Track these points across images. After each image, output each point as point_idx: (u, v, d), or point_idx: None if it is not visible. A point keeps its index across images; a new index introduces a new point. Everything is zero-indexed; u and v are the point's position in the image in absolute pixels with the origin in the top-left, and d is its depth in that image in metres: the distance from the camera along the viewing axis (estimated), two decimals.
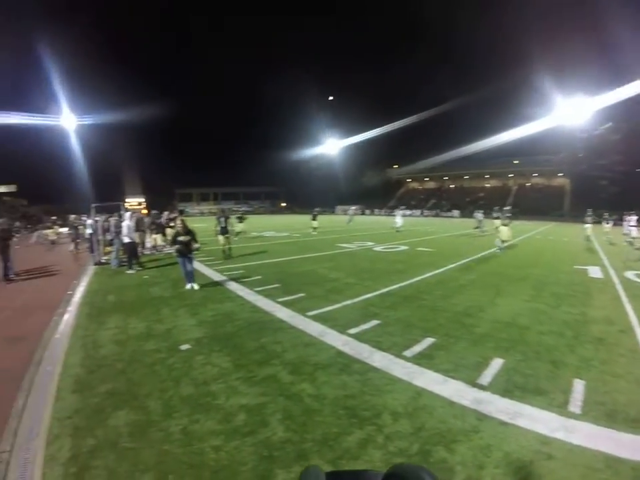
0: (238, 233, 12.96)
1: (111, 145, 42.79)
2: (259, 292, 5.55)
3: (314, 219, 15.03)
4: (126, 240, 7.93)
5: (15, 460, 2.08)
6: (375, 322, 3.99)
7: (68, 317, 5.04)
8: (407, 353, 3.18)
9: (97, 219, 9.62)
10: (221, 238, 9.04)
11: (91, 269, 8.56)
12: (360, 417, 2.28)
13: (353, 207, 23.98)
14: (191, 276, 6.07)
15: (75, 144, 32.95)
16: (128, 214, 8.17)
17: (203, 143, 57.71)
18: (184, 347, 3.65)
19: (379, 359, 3.07)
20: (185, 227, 5.78)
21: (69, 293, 6.45)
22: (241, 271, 7.26)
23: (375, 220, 21.79)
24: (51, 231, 16.25)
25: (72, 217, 16.21)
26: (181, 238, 5.75)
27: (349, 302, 4.85)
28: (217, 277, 6.88)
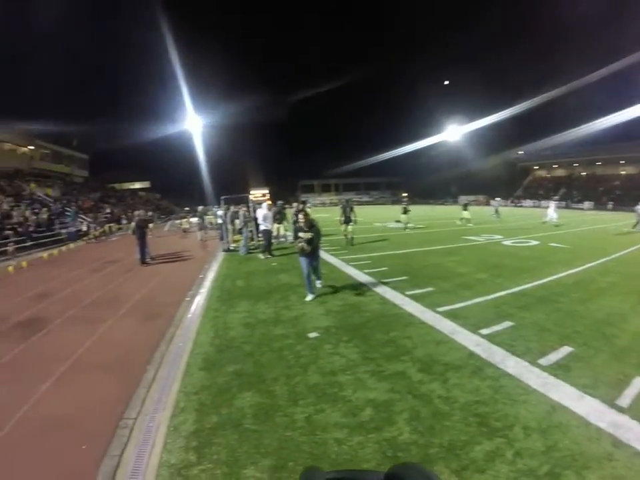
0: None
1: (234, 140, 70.22)
2: (386, 284, 8.14)
3: (465, 209, 22.49)
4: (262, 227, 13.03)
5: (140, 427, 3.55)
6: (507, 323, 5.65)
7: (199, 298, 7.86)
8: (543, 361, 4.39)
9: (226, 209, 16.26)
10: (344, 227, 14.75)
11: (220, 256, 13.84)
12: (490, 427, 3.26)
13: (497, 199, 33.20)
14: (311, 285, 7.40)
15: (201, 141, 53.59)
16: (265, 204, 13.43)
17: (324, 134, 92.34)
18: (312, 334, 5.50)
19: (513, 365, 4.31)
20: (307, 220, 7.12)
21: (200, 276, 10.07)
22: (367, 262, 10.81)
23: (501, 210, 28.81)
24: (184, 220, 26.47)
25: (200, 207, 26.49)
26: (301, 234, 7.02)
27: (479, 299, 6.91)
28: (343, 266, 10.38)
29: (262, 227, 13.02)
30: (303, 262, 7.18)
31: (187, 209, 30.60)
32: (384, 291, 7.60)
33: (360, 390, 3.83)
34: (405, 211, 20.21)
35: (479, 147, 70.14)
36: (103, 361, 5.16)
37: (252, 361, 4.66)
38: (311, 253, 7.08)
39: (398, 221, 22.03)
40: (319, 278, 7.81)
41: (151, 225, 17.62)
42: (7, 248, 17.51)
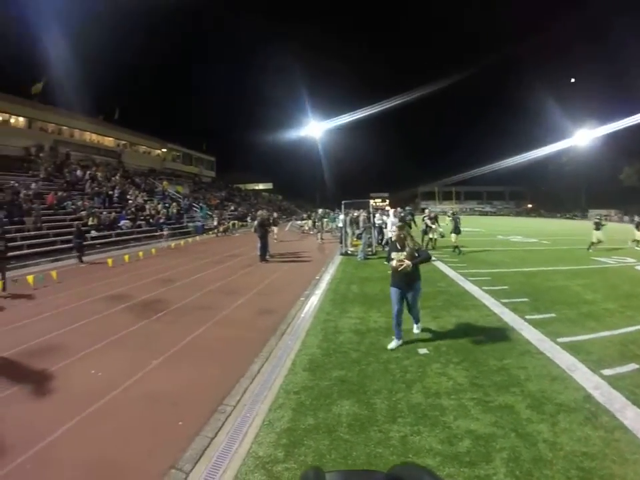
0: (593, 244, 17.71)
1: (355, 145, 77.52)
2: (505, 304, 8.00)
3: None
4: (389, 235, 13.54)
5: (236, 415, 3.92)
6: (634, 366, 5.14)
7: (313, 299, 8.36)
8: None
9: (346, 214, 17.20)
10: (454, 237, 15.93)
11: (338, 259, 14.82)
12: None
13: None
14: (400, 326, 5.75)
15: (322, 145, 60.45)
16: (392, 211, 14.27)
17: (444, 139, 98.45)
18: (422, 350, 5.57)
19: (632, 417, 3.92)
20: (401, 238, 5.70)
21: (316, 278, 10.77)
22: (487, 278, 10.77)
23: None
24: (304, 222, 28.84)
25: (320, 210, 28.57)
26: (394, 255, 5.66)
27: (606, 333, 6.42)
28: (461, 281, 10.38)
29: (389, 234, 13.61)
30: (394, 294, 5.69)
31: (309, 212, 32.84)
32: (502, 311, 7.49)
33: (462, 418, 3.81)
34: (598, 227, 18.15)
35: (613, 153, 65.91)
36: (213, 347, 5.88)
37: (357, 369, 4.85)
38: (408, 283, 5.64)
39: (596, 242, 18.33)
40: (416, 320, 6.12)
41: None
42: (163, 232, 23.99)
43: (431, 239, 17.26)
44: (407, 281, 5.60)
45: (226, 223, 31.11)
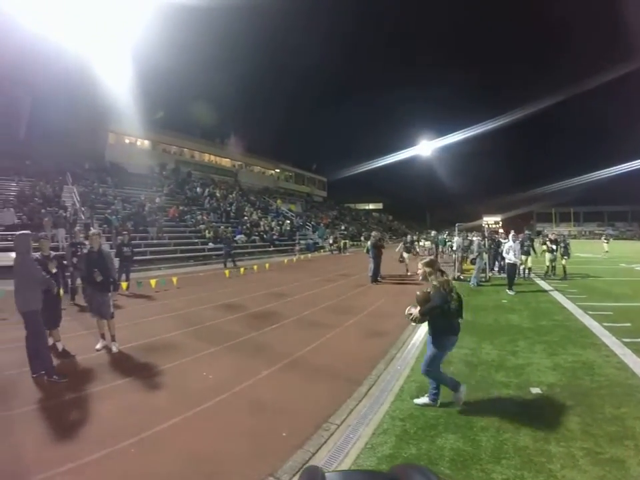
0: None
1: (465, 165, 78.44)
2: (627, 344, 7.26)
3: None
4: (508, 260, 13.32)
5: (339, 434, 4.08)
6: None
7: (424, 325, 8.16)
8: None
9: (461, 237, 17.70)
10: (564, 261, 16.19)
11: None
12: None
13: None
14: (439, 386, 4.82)
15: (432, 166, 61.66)
16: (511, 235, 13.73)
17: (562, 157, 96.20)
18: (534, 389, 5.35)
19: None
20: (425, 276, 4.86)
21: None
22: (608, 313, 9.82)
23: None
24: (417, 244, 28.13)
25: (432, 232, 28.36)
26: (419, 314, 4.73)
27: None
28: (580, 314, 9.72)
29: (508, 260, 13.15)
30: (435, 348, 4.77)
31: (417, 234, 33.17)
32: (624, 353, 6.80)
33: (568, 468, 3.58)
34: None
35: None
36: (322, 364, 6.17)
37: (465, 403, 4.77)
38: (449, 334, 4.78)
39: None
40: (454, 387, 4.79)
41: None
42: (295, 247, 27.47)
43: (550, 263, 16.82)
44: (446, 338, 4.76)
45: (340, 242, 32.79)
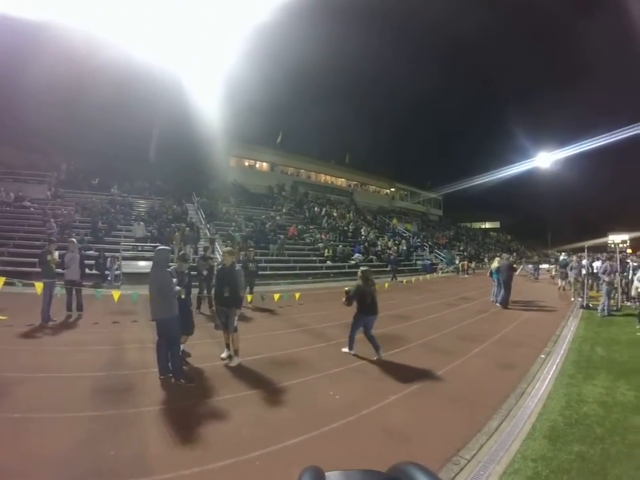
0: None
1: (590, 178, 68.54)
2: None
3: None
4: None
5: (470, 470, 3.98)
6: None
7: (554, 358, 7.91)
8: None
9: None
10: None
11: (578, 312, 13.96)
12: None
13: None
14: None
15: (552, 180, 55.80)
16: None
17: None
18: None
19: None
20: None
21: (556, 333, 10.11)
22: None
23: None
24: (550, 266, 28.50)
25: (563, 254, 26.09)
26: None
27: None
28: None
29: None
30: (356, 320, 8.27)
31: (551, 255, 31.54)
32: None
33: None
34: None
35: None
36: (450, 393, 6.02)
37: (600, 448, 4.42)
38: None
39: None
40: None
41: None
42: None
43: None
44: None
45: (467, 264, 32.65)
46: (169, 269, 6.26)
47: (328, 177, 49.41)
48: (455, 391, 6.12)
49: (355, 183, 52.71)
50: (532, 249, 57.26)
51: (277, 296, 12.37)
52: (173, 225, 21.27)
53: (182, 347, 6.68)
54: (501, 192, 72.40)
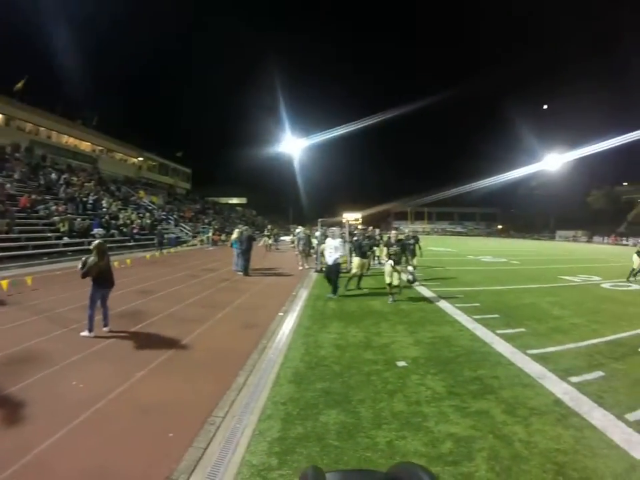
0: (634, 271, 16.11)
1: (330, 164, 79.62)
2: (477, 320, 8.52)
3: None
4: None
5: (226, 426, 4.00)
6: (599, 373, 5.70)
7: (293, 315, 8.55)
8: (630, 417, 4.40)
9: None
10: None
11: (313, 275, 15.24)
12: (567, 476, 3.42)
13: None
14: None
15: (297, 162, 61.99)
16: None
17: (418, 160, 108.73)
18: (400, 363, 5.87)
19: (600, 418, 4.42)
20: None
21: (293, 294, 10.98)
22: (460, 296, 11.35)
23: (602, 249, 31.64)
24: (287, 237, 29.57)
25: (299, 228, 28.29)
26: None
27: (572, 345, 7.10)
28: (434, 298, 10.95)
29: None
30: (91, 292, 7.15)
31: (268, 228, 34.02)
32: (474, 327, 7.97)
33: (443, 423, 4.11)
34: None
35: (582, 177, 74.85)
36: (197, 360, 5.91)
37: (340, 381, 5.05)
38: None
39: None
40: None
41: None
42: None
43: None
44: None
45: (218, 236, 33.41)
46: None
47: (71, 139, 41.36)
48: (201, 355, 6.09)
49: (101, 148, 46.01)
50: (275, 222, 61.55)
51: (4, 283, 9.94)
52: None
53: None
54: (250, 169, 75.87)
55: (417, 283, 12.13)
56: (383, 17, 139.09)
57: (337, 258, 11.17)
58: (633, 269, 15.99)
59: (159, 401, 4.53)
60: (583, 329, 8.07)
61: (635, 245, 17.45)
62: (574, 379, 5.43)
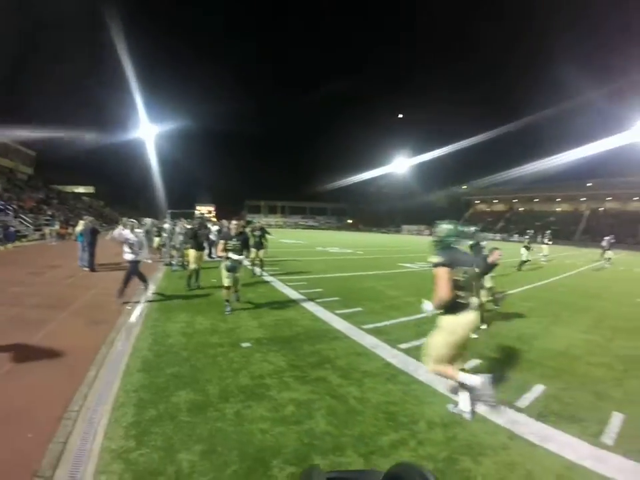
0: (523, 263, 19.00)
1: (185, 155, 79.62)
2: (319, 303, 9.36)
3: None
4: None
5: (82, 418, 4.09)
6: (425, 339, 5.86)
7: (141, 307, 8.50)
8: None
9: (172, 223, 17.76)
10: (254, 253, 13.52)
11: (162, 268, 15.03)
12: (397, 422, 4.01)
13: (607, 237, 25.40)
14: None
15: (151, 151, 57.88)
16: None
17: (273, 156, 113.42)
18: (245, 344, 6.32)
19: (424, 373, 5.15)
20: None
21: (141, 287, 10.47)
22: (304, 283, 12.22)
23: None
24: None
25: (148, 220, 26.87)
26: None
27: (404, 319, 8.13)
28: (280, 286, 11.62)
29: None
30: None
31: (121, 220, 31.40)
32: (316, 309, 8.75)
33: (284, 391, 4.61)
34: (528, 248, 19.25)
35: (425, 179, 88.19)
36: (45, 360, 5.63)
37: (188, 365, 5.33)
38: None
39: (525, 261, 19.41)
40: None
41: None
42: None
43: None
44: None
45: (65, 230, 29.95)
46: None
47: None
48: (49, 355, 5.78)
49: None
50: (124, 214, 57.00)
51: None
52: None
53: None
54: (99, 156, 68.27)
55: (258, 271, 13.19)
56: None
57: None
58: (522, 261, 18.85)
59: (12, 406, 4.31)
60: (414, 306, 9.01)
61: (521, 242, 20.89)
62: (403, 346, 6.32)
